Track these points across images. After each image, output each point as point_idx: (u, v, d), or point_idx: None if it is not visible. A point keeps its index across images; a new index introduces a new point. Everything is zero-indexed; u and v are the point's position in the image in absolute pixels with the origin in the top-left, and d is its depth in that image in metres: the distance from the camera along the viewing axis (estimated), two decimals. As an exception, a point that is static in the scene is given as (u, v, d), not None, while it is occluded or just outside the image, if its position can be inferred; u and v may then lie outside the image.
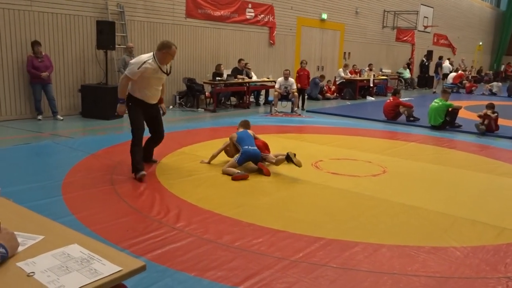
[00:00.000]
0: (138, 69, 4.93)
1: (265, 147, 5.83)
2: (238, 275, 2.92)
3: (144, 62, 4.95)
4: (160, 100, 5.44)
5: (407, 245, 3.51)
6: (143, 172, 4.98)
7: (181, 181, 4.96)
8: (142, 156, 5.19)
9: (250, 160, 5.55)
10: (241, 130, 5.92)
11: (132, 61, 5.17)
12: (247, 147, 5.53)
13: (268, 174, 5.37)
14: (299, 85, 11.81)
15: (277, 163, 5.48)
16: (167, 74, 5.24)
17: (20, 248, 1.64)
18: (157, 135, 5.59)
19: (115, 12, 9.87)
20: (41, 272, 1.47)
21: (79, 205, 4.07)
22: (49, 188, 4.53)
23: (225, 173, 5.31)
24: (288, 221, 3.90)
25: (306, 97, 12.54)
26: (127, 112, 5.27)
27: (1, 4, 8.04)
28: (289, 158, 5.22)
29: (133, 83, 5.07)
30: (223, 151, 5.84)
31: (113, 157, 5.85)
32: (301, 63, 12.40)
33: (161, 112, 5.58)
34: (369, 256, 3.28)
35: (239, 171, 5.26)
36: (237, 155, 5.53)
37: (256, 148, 5.60)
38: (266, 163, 5.56)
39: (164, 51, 5.03)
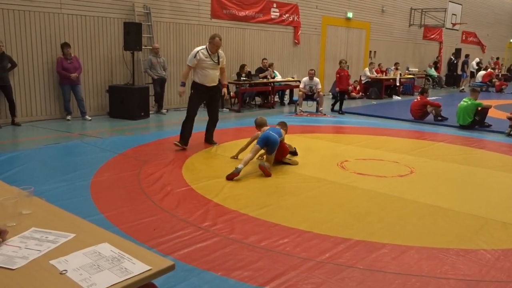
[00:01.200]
0: (194, 57, 6.33)
1: (284, 153, 5.84)
2: (264, 275, 2.93)
3: (198, 51, 6.34)
4: (223, 85, 6.98)
5: (435, 247, 3.44)
6: (182, 146, 6.34)
7: (207, 181, 4.99)
8: (190, 132, 6.50)
9: (267, 144, 5.44)
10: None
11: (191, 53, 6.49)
12: (268, 131, 5.56)
13: (268, 175, 5.26)
14: (337, 88, 11.29)
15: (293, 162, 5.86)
16: (217, 62, 6.44)
17: (52, 246, 1.68)
18: (212, 118, 6.93)
19: (142, 14, 10.01)
20: (73, 270, 1.50)
21: (108, 204, 4.15)
22: (78, 187, 4.63)
23: (242, 159, 5.42)
24: (314, 222, 3.88)
25: (345, 99, 11.70)
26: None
27: (33, 8, 8.27)
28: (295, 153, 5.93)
29: (194, 70, 6.45)
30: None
31: (140, 157, 5.94)
32: (341, 63, 11.50)
33: (222, 92, 7.11)
34: (396, 258, 3.24)
35: (238, 168, 5.14)
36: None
37: (276, 136, 5.50)
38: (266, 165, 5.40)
39: (210, 41, 6.38)
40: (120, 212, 3.96)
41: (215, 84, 6.59)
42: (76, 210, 3.82)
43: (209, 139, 6.95)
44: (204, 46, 6.43)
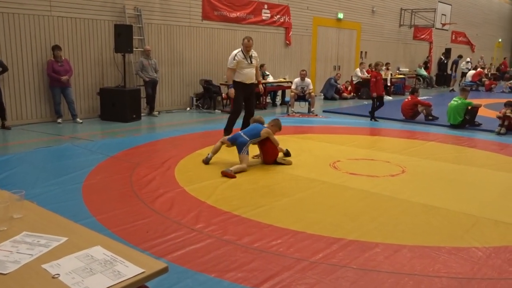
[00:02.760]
0: (233, 60, 7.11)
1: (273, 156, 5.90)
2: (258, 276, 2.93)
3: (235, 54, 7.14)
4: (258, 82, 7.60)
5: (428, 245, 3.47)
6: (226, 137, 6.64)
7: (200, 183, 4.98)
8: (234, 125, 7.30)
9: (233, 143, 5.72)
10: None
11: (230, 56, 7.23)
12: (240, 132, 5.82)
13: (232, 177, 5.22)
14: (375, 93, 9.92)
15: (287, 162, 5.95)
16: (251, 62, 7.18)
17: (44, 250, 1.67)
18: (248, 112, 7.49)
19: (133, 16, 9.98)
20: (65, 274, 1.49)
21: (100, 207, 4.13)
22: (70, 191, 4.60)
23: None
24: (307, 222, 3.89)
25: (383, 104, 10.30)
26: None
27: (22, 10, 8.21)
28: (287, 154, 6.05)
29: (236, 71, 7.18)
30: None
31: (132, 159, 5.91)
32: (377, 65, 10.28)
33: (259, 89, 7.78)
34: (389, 257, 3.25)
35: (231, 169, 5.29)
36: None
37: (245, 139, 5.65)
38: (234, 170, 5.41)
39: (242, 43, 7.20)
40: (113, 215, 3.94)
41: (252, 82, 7.33)
42: (68, 214, 3.80)
43: None
44: (239, 49, 7.19)
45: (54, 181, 4.89)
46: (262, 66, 12.37)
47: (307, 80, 11.18)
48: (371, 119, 10.16)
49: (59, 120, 8.71)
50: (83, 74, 9.31)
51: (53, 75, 8.42)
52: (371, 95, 10.21)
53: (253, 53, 7.28)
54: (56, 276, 1.49)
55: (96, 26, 9.35)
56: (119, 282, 1.45)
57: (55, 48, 8.45)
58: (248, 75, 7.21)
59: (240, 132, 5.88)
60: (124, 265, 1.56)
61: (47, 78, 8.58)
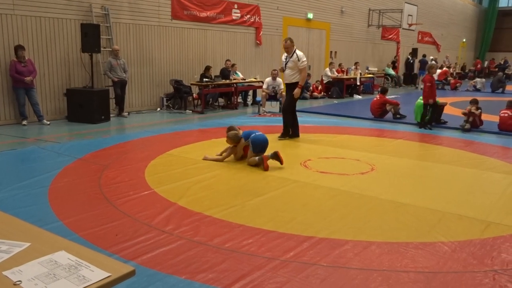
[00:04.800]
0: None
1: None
2: (229, 276, 2.92)
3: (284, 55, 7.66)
4: (298, 86, 7.62)
5: (396, 241, 3.54)
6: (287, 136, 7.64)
7: (170, 184, 4.94)
8: (290, 122, 7.72)
9: (261, 145, 5.84)
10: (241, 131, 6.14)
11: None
12: (254, 134, 5.87)
13: (266, 169, 5.59)
14: (431, 100, 8.91)
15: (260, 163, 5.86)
16: (287, 63, 7.55)
17: (5, 256, 1.62)
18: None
19: (100, 15, 9.79)
20: (28, 281, 1.44)
21: (67, 211, 4.03)
22: (35, 194, 4.47)
23: (250, 164, 5.79)
24: (278, 221, 3.91)
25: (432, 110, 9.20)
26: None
27: (-17, 9, 7.93)
28: (274, 156, 5.76)
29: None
30: (232, 155, 6.09)
31: (101, 161, 5.80)
32: (430, 68, 9.28)
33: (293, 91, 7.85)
34: (359, 254, 3.30)
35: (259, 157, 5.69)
36: (250, 147, 5.84)
37: (264, 134, 5.94)
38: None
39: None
40: (80, 218, 3.86)
41: (290, 82, 7.64)
42: (33, 218, 3.72)
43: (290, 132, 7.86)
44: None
45: (19, 185, 4.74)
46: (232, 66, 12.37)
47: (279, 79, 11.23)
48: (420, 127, 9.15)
49: (24, 122, 8.45)
50: (49, 74, 9.07)
51: (16, 76, 8.16)
52: (426, 101, 9.00)
53: (295, 54, 7.47)
54: (18, 283, 1.44)
55: (61, 26, 9.12)
56: (84, 287, 1.42)
57: (18, 48, 8.19)
58: (286, 75, 7.62)
59: (255, 134, 5.95)
60: (90, 269, 1.52)
61: (10, 79, 8.32)
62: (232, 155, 6.06)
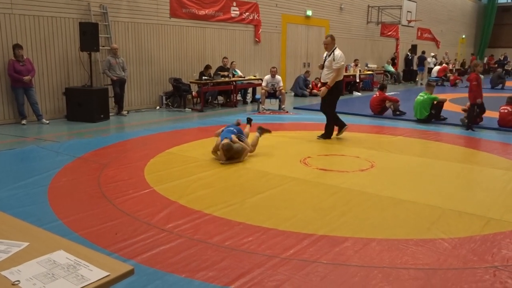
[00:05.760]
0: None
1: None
2: (229, 274, 2.92)
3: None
4: (326, 86, 7.33)
5: (396, 238, 3.53)
6: (345, 126, 7.58)
7: (170, 182, 4.93)
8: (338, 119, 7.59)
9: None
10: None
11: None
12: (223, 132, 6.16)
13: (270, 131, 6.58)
14: (479, 100, 8.50)
15: (254, 147, 6.25)
16: (325, 61, 7.31)
17: (4, 256, 1.61)
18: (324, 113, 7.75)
19: (98, 13, 9.77)
20: (26, 280, 1.44)
21: (67, 210, 4.02)
22: (34, 194, 4.47)
23: (255, 145, 6.24)
24: (277, 219, 3.90)
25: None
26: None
27: (-19, 8, 7.91)
28: (261, 131, 6.39)
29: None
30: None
31: (100, 160, 5.79)
32: (476, 66, 8.81)
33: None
34: (359, 251, 3.30)
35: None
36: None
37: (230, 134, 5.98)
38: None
39: None
40: (80, 218, 3.85)
41: (325, 82, 7.35)
42: (33, 218, 3.71)
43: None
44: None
45: (18, 184, 4.74)
46: (231, 63, 12.34)
47: (278, 77, 11.22)
48: (467, 129, 8.66)
49: (24, 122, 8.44)
50: (48, 73, 9.06)
51: (14, 75, 8.14)
52: (472, 101, 8.59)
53: (334, 53, 7.16)
54: (16, 282, 1.43)
55: (60, 24, 9.10)
56: (83, 287, 1.41)
57: (16, 47, 8.17)
58: (323, 73, 7.36)
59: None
60: (88, 269, 1.51)
61: (9, 79, 8.30)
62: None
